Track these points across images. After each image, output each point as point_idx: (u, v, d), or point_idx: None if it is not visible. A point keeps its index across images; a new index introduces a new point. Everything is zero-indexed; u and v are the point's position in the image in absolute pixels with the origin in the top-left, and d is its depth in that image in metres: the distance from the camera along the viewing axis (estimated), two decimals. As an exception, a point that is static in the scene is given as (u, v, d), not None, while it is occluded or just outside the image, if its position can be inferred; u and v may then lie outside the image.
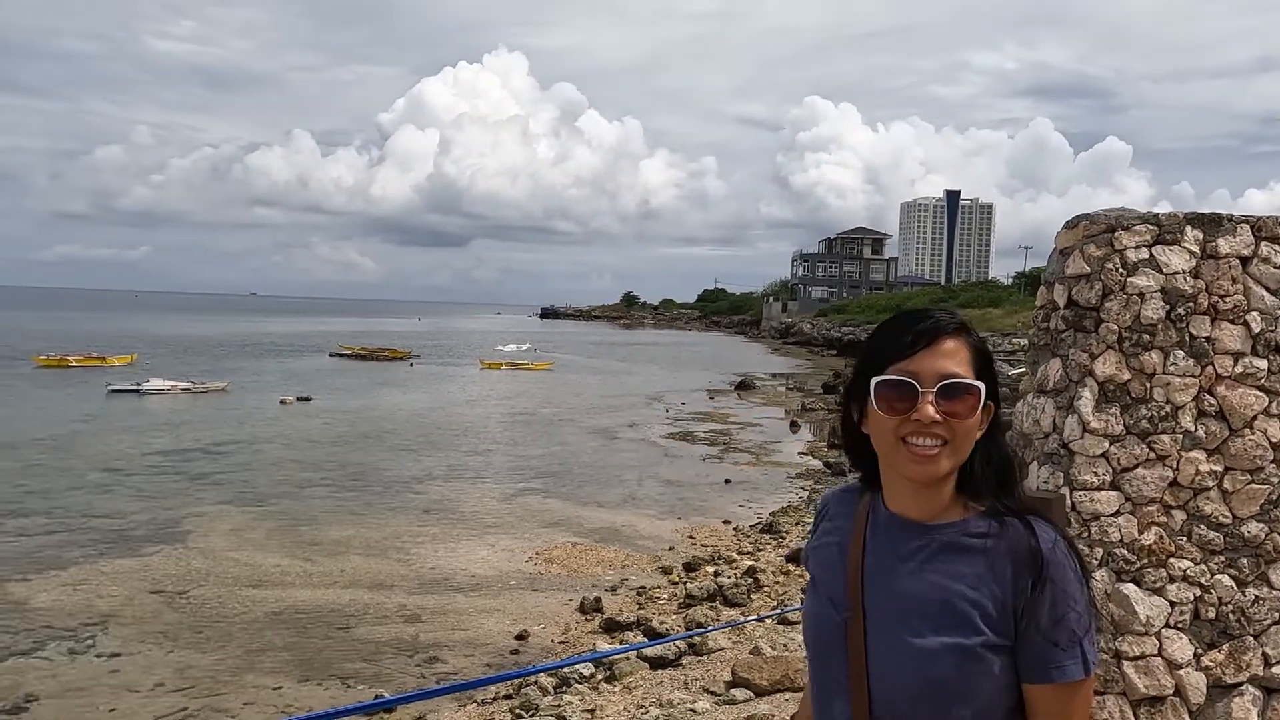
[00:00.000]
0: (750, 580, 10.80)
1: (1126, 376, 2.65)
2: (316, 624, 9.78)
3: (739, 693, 6.64)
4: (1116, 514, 2.61)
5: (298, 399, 29.63)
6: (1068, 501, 2.60)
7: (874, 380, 1.29)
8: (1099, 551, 2.61)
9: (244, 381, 35.13)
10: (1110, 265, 2.67)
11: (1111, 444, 2.63)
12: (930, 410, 1.24)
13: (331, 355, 51.66)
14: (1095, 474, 2.62)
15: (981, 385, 1.27)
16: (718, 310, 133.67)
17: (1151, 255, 2.69)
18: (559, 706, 7.13)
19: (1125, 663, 2.56)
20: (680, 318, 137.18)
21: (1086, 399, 2.64)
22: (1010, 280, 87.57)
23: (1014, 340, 43.94)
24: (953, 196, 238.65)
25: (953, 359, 1.28)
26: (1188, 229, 2.73)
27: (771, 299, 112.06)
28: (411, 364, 47.78)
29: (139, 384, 30.47)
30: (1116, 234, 2.71)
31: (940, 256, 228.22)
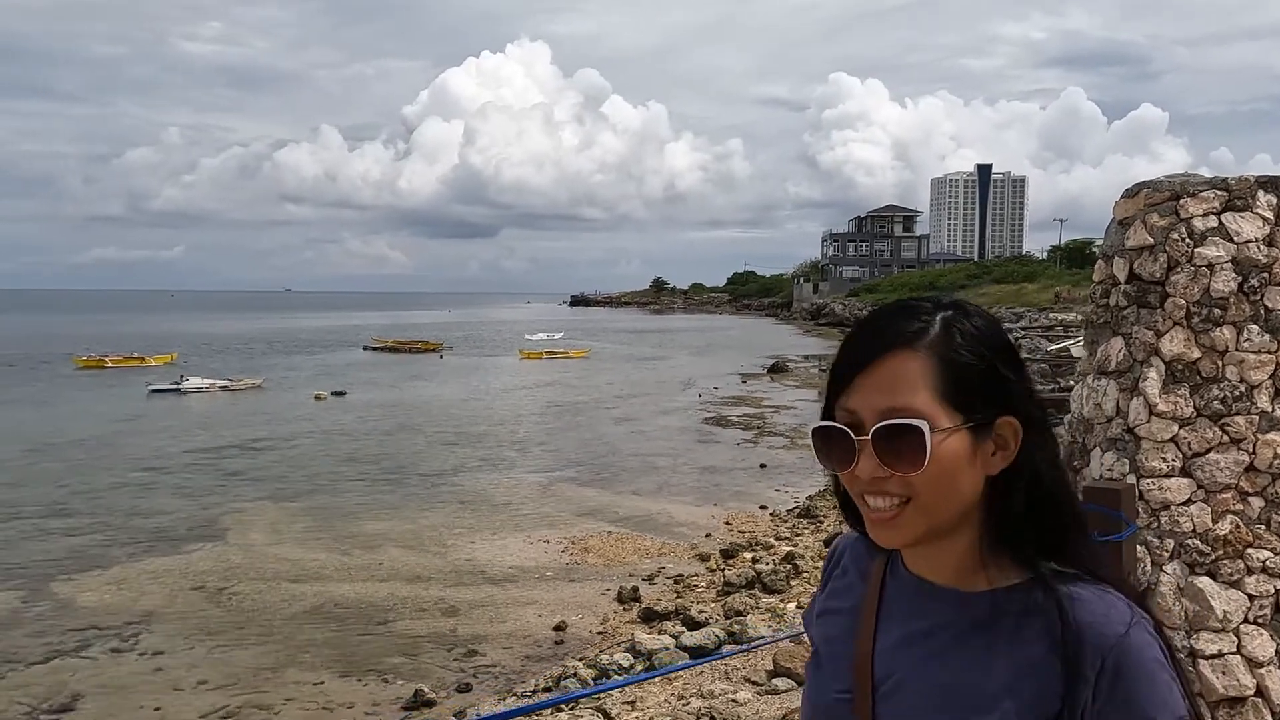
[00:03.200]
0: (789, 566, 10.65)
1: (1196, 354, 2.46)
2: (355, 618, 9.80)
3: (781, 682, 6.52)
4: (1188, 502, 2.44)
5: (332, 394, 29.86)
6: (1135, 491, 2.44)
7: (812, 429, 0.99)
8: (1170, 543, 2.44)
9: (279, 378, 35.50)
10: (1176, 235, 2.48)
11: (1181, 427, 2.45)
12: (869, 465, 0.93)
13: (365, 349, 52.11)
14: (1164, 460, 2.44)
15: (923, 425, 0.91)
16: (748, 293, 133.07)
17: (1221, 223, 2.49)
18: (599, 699, 7.05)
19: (1201, 661, 2.39)
20: (710, 301, 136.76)
21: (1153, 380, 2.46)
22: (1045, 254, 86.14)
23: (1050, 315, 43.22)
24: (984, 171, 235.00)
25: (898, 385, 0.93)
26: (1260, 193, 2.52)
27: (802, 280, 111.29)
28: (442, 356, 48.02)
29: (178, 383, 30.89)
30: (1182, 201, 2.51)
31: (973, 232, 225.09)
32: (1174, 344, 2.51)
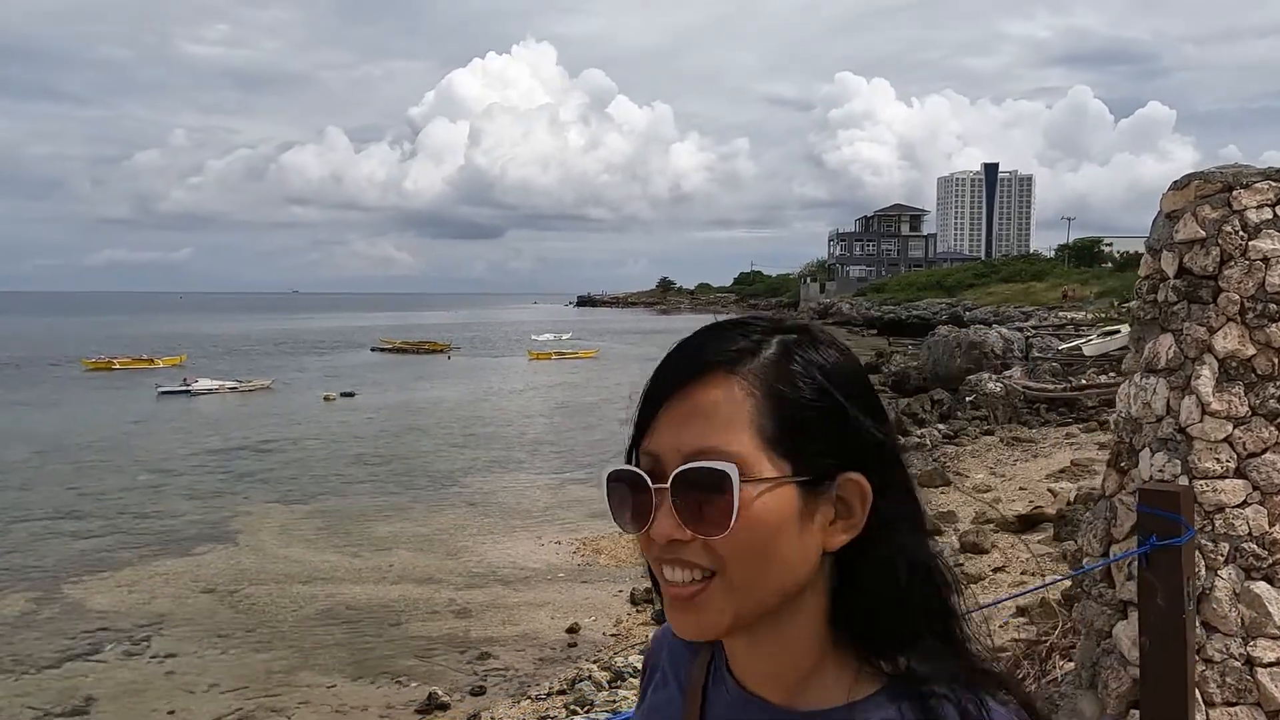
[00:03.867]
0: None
1: (1251, 352, 2.38)
2: (367, 620, 9.75)
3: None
4: (1243, 505, 2.36)
5: (341, 395, 29.88)
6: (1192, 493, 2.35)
7: (605, 476, 0.79)
8: (1225, 547, 2.36)
9: (288, 379, 35.54)
10: (1229, 228, 2.39)
11: (1235, 427, 2.37)
12: (666, 523, 0.73)
13: (374, 350, 52.23)
14: (1218, 460, 2.36)
15: (730, 469, 0.70)
16: (755, 293, 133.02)
17: (1276, 215, 2.41)
18: (614, 702, 6.98)
19: (1259, 670, 2.31)
20: (717, 301, 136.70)
21: (1205, 378, 2.37)
22: (1053, 253, 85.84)
23: (1060, 314, 43.01)
24: (991, 169, 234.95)
25: (709, 419, 0.73)
26: (1315, 184, 2.45)
27: (809, 280, 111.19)
28: (450, 357, 48.08)
29: (188, 385, 30.93)
30: (1235, 193, 2.43)
31: (980, 231, 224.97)
32: (1228, 341, 2.43)
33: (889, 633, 0.73)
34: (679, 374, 0.76)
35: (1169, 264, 2.52)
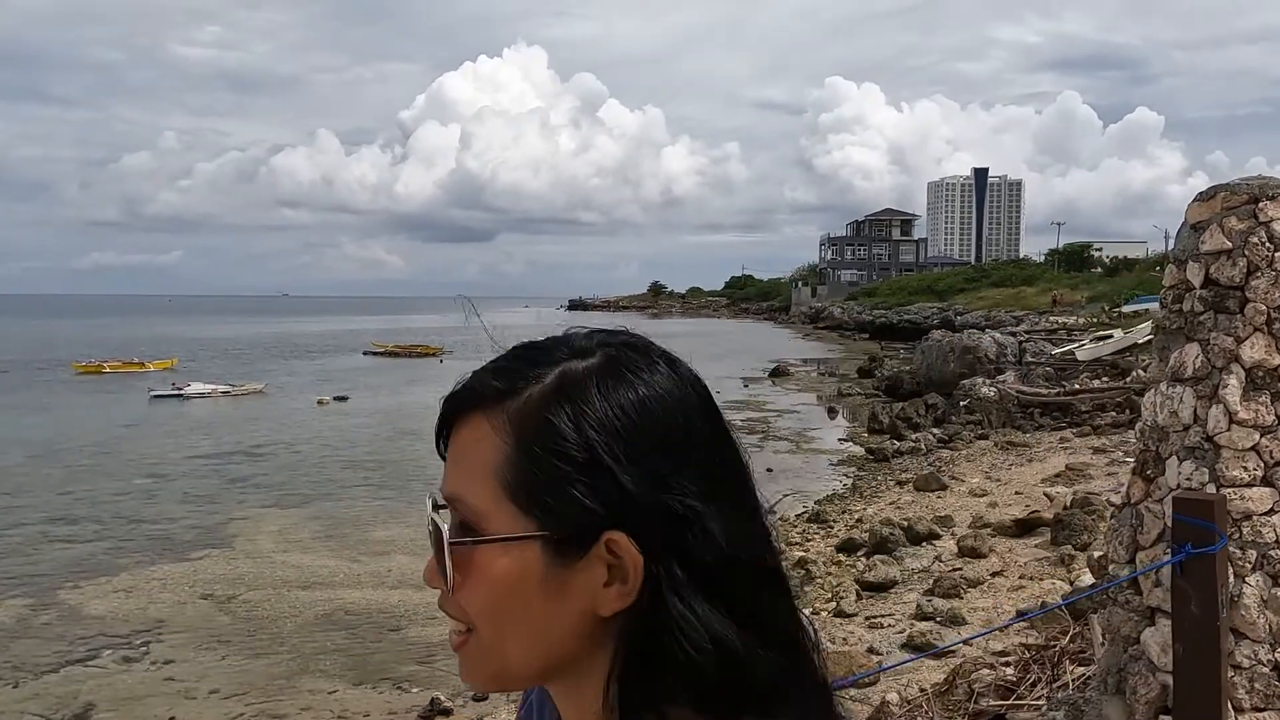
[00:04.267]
0: (802, 572, 10.58)
1: (1277, 361, 2.41)
2: (367, 625, 9.73)
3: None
4: (1271, 512, 2.39)
5: (334, 399, 29.79)
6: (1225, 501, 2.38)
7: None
8: (1252, 554, 2.39)
9: (280, 383, 35.41)
10: (1255, 239, 2.43)
11: (1262, 435, 2.40)
12: (429, 569, 0.69)
13: (365, 353, 52.12)
14: (1245, 469, 2.39)
15: (443, 524, 0.66)
16: (746, 297, 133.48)
17: (1302, 226, 2.46)
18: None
19: (1288, 676, 2.35)
20: (708, 306, 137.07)
21: (1233, 387, 2.40)
22: (1042, 258, 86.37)
23: (1051, 319, 43.25)
24: (980, 174, 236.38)
25: (461, 465, 0.68)
26: (1339, 196, 2.49)
27: (800, 284, 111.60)
28: (442, 360, 48.02)
29: (180, 389, 30.78)
30: (1261, 204, 2.46)
31: (970, 235, 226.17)
32: (1255, 350, 2.46)
33: (680, 706, 0.64)
34: (449, 409, 0.70)
35: (1195, 274, 2.55)
